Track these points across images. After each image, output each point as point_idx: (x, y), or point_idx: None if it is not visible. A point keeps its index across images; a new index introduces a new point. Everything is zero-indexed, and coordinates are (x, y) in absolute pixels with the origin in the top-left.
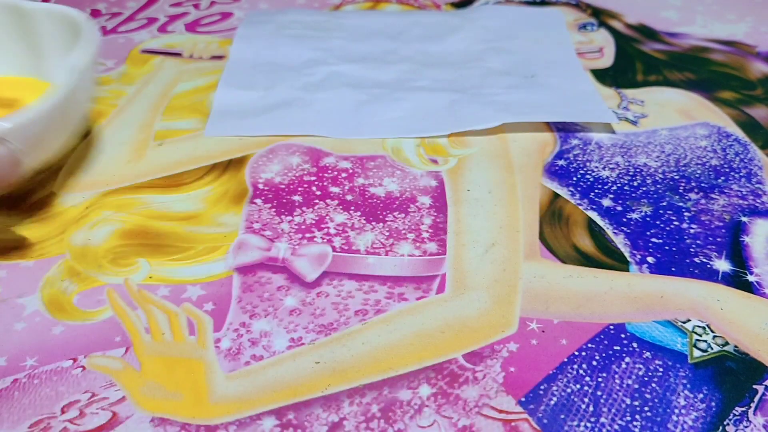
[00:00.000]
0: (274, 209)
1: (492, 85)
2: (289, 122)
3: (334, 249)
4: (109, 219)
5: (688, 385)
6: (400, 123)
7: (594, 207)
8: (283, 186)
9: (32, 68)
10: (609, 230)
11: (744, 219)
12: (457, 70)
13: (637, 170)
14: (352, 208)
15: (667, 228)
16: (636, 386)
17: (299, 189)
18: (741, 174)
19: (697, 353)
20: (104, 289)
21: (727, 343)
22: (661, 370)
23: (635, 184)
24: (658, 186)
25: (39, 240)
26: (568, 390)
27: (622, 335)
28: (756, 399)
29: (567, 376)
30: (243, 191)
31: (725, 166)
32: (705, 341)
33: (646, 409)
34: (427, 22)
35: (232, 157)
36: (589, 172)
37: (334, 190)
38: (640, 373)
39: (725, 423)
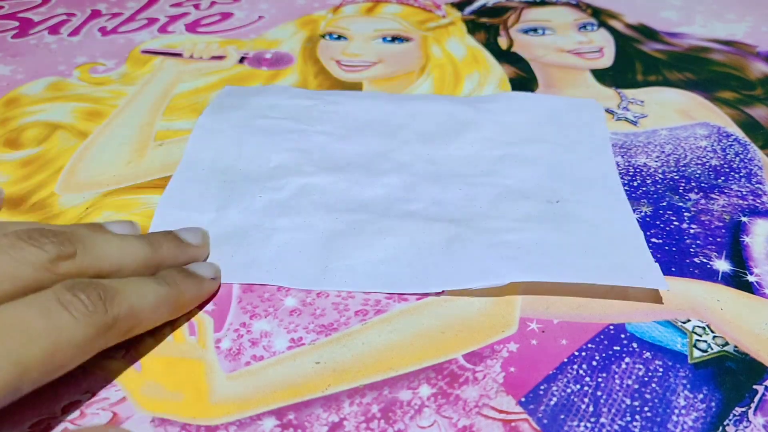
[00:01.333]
0: None
1: (505, 213)
2: (236, 265)
3: None
4: (110, 219)
5: (688, 386)
6: (380, 271)
7: None
8: None
9: None
10: None
11: (744, 219)
12: (463, 186)
13: (637, 170)
14: None
15: (667, 228)
16: (636, 386)
17: None
18: (741, 174)
19: (697, 353)
20: None
21: (727, 343)
22: (661, 370)
23: (635, 184)
24: (658, 186)
25: None
26: (568, 390)
27: (622, 335)
28: (756, 399)
29: (567, 376)
30: None
31: (725, 166)
32: (705, 341)
33: (646, 409)
34: (432, 112)
35: None
36: None
37: None
38: (640, 373)
39: (725, 423)
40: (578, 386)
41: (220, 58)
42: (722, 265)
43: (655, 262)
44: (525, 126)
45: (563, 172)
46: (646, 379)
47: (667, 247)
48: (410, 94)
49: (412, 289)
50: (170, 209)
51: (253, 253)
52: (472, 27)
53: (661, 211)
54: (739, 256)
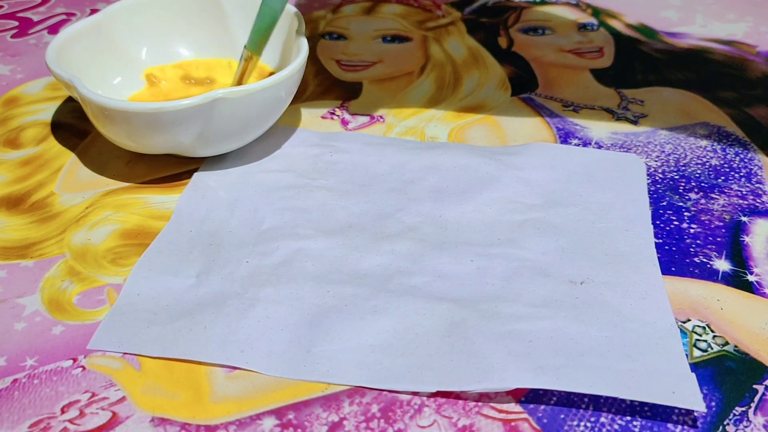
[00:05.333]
0: None
1: (519, 295)
2: (209, 340)
3: None
4: (109, 219)
5: None
6: (369, 360)
7: None
8: None
9: (225, 50)
10: None
11: (744, 219)
12: (474, 258)
13: None
14: None
15: (667, 228)
16: None
17: None
18: (741, 174)
19: (697, 353)
20: (104, 289)
21: (727, 343)
22: None
23: None
24: (658, 186)
25: (39, 240)
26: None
27: None
28: (756, 399)
29: None
30: None
31: (725, 166)
32: (705, 341)
33: (646, 409)
34: (449, 165)
35: None
36: None
37: None
38: None
39: (725, 423)
40: None
41: None
42: (722, 265)
43: (692, 372)
44: (553, 185)
45: (591, 245)
46: None
47: (667, 247)
48: (429, 143)
49: (402, 386)
50: (147, 272)
51: (230, 327)
52: (472, 27)
53: (661, 211)
54: (739, 256)
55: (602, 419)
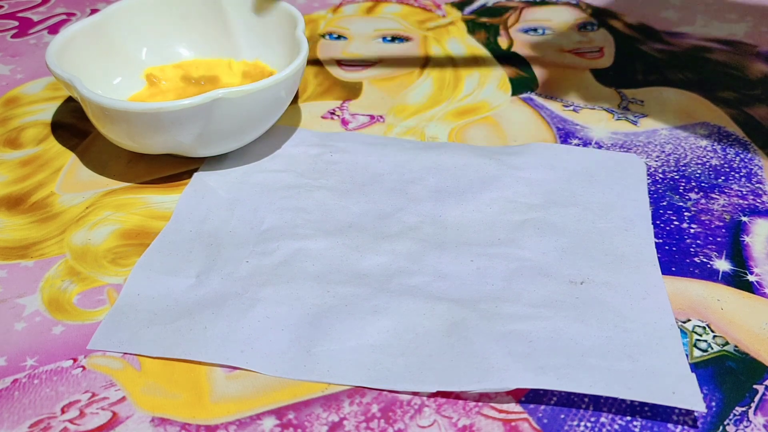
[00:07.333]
0: None
1: (519, 295)
2: (209, 340)
3: None
4: (109, 219)
5: None
6: (369, 360)
7: None
8: None
9: (225, 50)
10: None
11: (744, 219)
12: (474, 258)
13: None
14: None
15: (667, 228)
16: None
17: None
18: (741, 174)
19: (697, 353)
20: (104, 289)
21: (727, 343)
22: None
23: None
24: (658, 186)
25: (39, 240)
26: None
27: None
28: (756, 399)
29: None
30: None
31: (725, 166)
32: (705, 341)
33: (646, 409)
34: (450, 165)
35: None
36: None
37: None
38: None
39: (725, 423)
40: None
41: None
42: (722, 265)
43: (692, 372)
44: (553, 185)
45: (591, 246)
46: None
47: (667, 247)
48: (429, 143)
49: (402, 386)
50: (147, 272)
51: (230, 327)
52: (472, 27)
53: (661, 211)
54: (740, 256)
55: (602, 419)
